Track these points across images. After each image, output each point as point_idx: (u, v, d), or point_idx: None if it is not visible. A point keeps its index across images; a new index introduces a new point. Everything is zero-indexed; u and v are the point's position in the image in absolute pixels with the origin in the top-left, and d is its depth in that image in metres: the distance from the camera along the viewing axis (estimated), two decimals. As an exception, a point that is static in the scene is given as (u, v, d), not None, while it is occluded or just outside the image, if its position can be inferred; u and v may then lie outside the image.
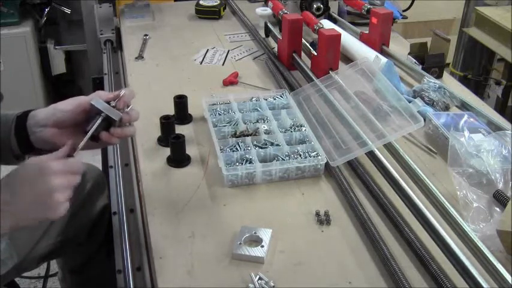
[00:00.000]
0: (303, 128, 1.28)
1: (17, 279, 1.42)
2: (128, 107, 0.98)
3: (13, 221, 0.84)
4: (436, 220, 0.95)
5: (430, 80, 1.47)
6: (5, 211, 0.83)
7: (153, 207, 1.08)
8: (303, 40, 1.66)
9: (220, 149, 1.20)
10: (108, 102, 0.96)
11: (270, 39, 1.87)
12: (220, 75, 1.62)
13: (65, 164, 0.87)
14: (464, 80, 2.56)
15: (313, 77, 1.47)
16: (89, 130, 0.94)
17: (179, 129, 1.32)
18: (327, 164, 1.17)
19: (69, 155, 0.90)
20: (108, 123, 0.95)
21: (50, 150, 0.92)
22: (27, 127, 0.99)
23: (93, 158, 2.57)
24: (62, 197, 0.85)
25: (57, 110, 0.99)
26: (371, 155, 1.16)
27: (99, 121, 0.94)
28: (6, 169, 1.08)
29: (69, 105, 0.98)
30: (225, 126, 1.29)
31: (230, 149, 1.21)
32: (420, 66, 1.62)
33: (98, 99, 0.95)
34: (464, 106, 1.40)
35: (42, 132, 0.99)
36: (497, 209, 1.05)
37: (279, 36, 1.72)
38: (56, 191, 0.84)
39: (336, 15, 2.03)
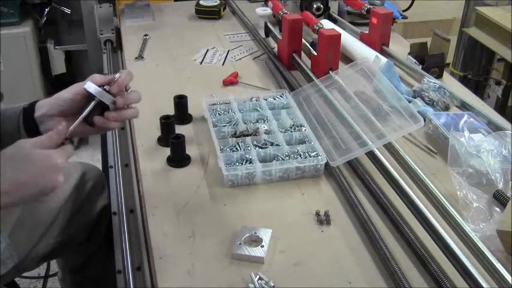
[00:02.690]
0: (303, 128, 1.28)
1: (17, 279, 1.42)
2: (126, 90, 0.98)
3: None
4: (436, 220, 0.95)
5: (430, 80, 1.47)
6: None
7: (153, 207, 1.08)
8: (303, 40, 1.66)
9: (220, 149, 1.20)
10: (104, 86, 0.95)
11: (270, 39, 1.87)
12: (220, 75, 1.62)
13: (65, 154, 0.89)
14: (464, 80, 2.56)
15: (313, 77, 1.47)
16: (82, 114, 0.94)
17: (179, 129, 1.32)
18: (327, 164, 1.17)
19: (65, 138, 0.90)
20: (103, 107, 0.95)
21: None
22: (35, 119, 1.00)
23: (93, 158, 2.59)
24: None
25: (60, 99, 0.99)
26: (371, 155, 1.16)
27: (91, 106, 0.95)
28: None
29: (69, 94, 0.99)
30: (225, 126, 1.29)
31: (230, 149, 1.21)
32: (420, 66, 1.62)
33: (90, 83, 0.95)
34: (464, 106, 1.40)
35: (50, 123, 0.99)
36: (497, 209, 1.05)
37: (279, 36, 1.72)
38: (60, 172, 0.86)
39: (336, 15, 2.03)
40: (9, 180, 0.82)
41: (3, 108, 1.04)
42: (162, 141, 1.28)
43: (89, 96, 0.96)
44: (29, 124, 1.00)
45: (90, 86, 0.95)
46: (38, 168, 0.84)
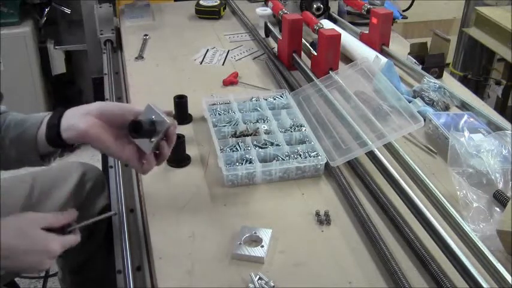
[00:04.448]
0: (303, 128, 1.28)
1: (17, 279, 1.42)
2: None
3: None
4: (436, 220, 0.95)
5: (430, 80, 1.47)
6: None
7: (153, 207, 1.08)
8: (303, 40, 1.66)
9: (220, 149, 1.20)
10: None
11: (270, 39, 1.87)
12: (220, 75, 1.62)
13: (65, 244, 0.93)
14: (464, 80, 2.56)
15: (313, 77, 1.47)
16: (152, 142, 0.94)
17: (179, 129, 1.31)
18: (327, 164, 1.17)
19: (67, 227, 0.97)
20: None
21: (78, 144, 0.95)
22: (61, 119, 0.96)
23: (93, 158, 2.58)
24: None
25: (105, 107, 0.97)
26: (371, 155, 1.16)
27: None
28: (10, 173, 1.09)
29: (116, 108, 0.97)
30: (225, 126, 1.29)
31: (230, 149, 1.21)
32: (420, 66, 1.62)
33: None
34: (464, 106, 1.40)
35: (84, 120, 0.93)
36: (497, 209, 1.05)
37: (279, 36, 1.72)
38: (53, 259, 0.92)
39: (336, 15, 2.03)
40: (6, 246, 0.87)
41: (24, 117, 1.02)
42: (162, 141, 1.28)
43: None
44: (52, 128, 0.96)
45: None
46: (33, 247, 0.89)
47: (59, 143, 0.96)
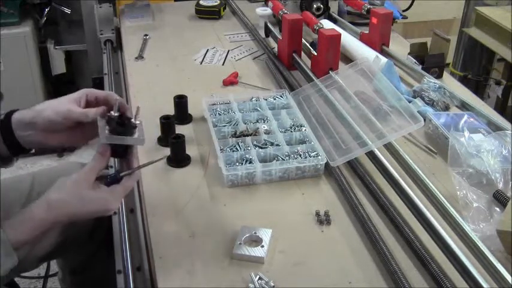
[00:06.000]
0: (303, 128, 1.28)
1: (17, 279, 1.42)
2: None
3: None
4: (436, 220, 0.95)
5: (430, 80, 1.47)
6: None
7: (153, 207, 1.08)
8: (303, 40, 1.66)
9: (220, 149, 1.20)
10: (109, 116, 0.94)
11: (270, 39, 1.87)
12: (220, 75, 1.62)
13: (124, 193, 0.95)
14: (464, 80, 2.56)
15: (313, 77, 1.47)
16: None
17: (179, 129, 1.32)
18: (327, 164, 1.17)
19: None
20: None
21: (41, 148, 0.97)
22: (13, 130, 1.00)
23: (93, 158, 2.58)
24: None
25: (42, 118, 0.99)
26: (371, 155, 1.16)
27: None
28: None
29: (58, 117, 0.98)
30: (225, 126, 1.29)
31: (230, 149, 1.21)
32: (420, 66, 1.62)
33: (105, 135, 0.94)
34: (464, 106, 1.40)
35: (31, 137, 1.00)
36: (497, 209, 1.05)
37: (279, 36, 1.72)
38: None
39: (336, 15, 2.03)
40: (65, 212, 0.91)
41: None
42: (162, 141, 1.28)
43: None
44: (8, 136, 1.00)
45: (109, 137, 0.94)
46: (92, 210, 0.92)
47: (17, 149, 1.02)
